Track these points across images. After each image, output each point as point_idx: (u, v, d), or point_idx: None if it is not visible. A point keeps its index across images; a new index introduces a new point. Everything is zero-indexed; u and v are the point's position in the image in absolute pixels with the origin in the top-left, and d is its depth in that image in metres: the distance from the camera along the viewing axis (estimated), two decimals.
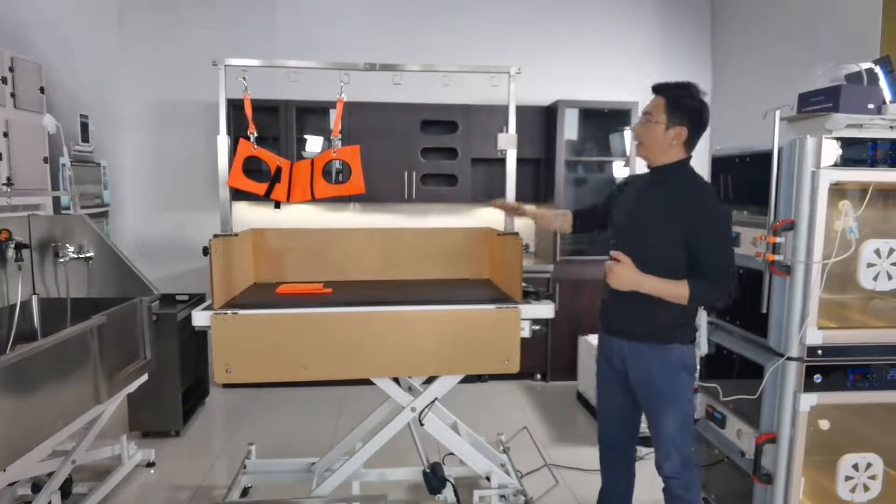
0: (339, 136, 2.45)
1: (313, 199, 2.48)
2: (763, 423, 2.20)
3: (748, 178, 2.36)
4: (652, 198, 2.00)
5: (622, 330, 2.06)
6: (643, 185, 2.08)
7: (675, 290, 1.89)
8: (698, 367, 2.09)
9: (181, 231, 4.65)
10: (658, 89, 1.99)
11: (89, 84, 4.25)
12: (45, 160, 3.66)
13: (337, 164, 2.46)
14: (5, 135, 3.29)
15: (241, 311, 2.12)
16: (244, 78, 2.35)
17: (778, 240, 2.11)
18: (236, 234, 2.40)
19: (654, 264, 1.92)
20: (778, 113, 2.09)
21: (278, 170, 2.44)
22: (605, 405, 2.24)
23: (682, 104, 1.94)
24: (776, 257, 2.11)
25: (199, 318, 2.11)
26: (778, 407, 2.16)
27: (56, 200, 3.76)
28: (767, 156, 2.17)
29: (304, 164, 2.47)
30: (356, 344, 2.16)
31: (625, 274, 1.92)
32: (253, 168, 2.50)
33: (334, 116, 4.12)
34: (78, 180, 3.89)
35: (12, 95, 3.35)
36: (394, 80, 2.42)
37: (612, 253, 1.96)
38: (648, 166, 2.06)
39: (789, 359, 2.12)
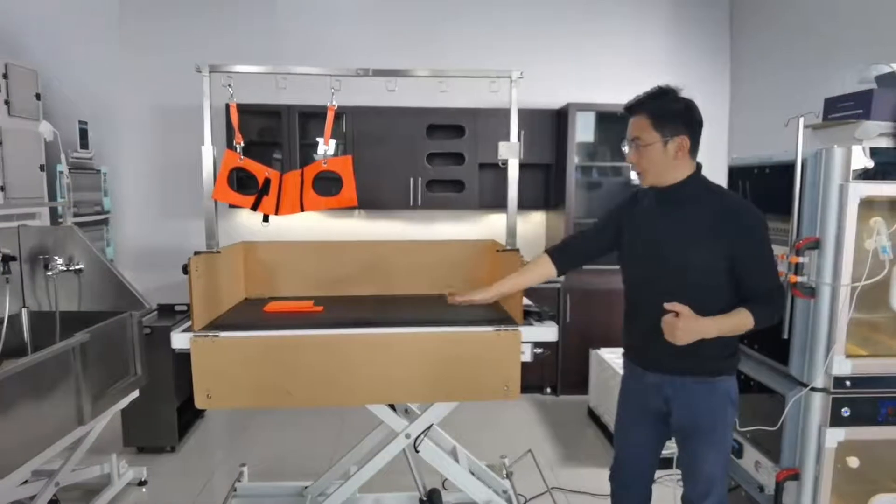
0: (329, 145, 2.32)
1: (303, 212, 2.35)
2: (784, 458, 2.03)
3: (768, 191, 2.18)
4: (677, 221, 1.75)
5: (663, 365, 1.81)
6: (654, 209, 1.83)
7: (740, 325, 1.66)
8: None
9: (185, 238, 4.57)
10: (634, 108, 1.77)
11: (89, 90, 4.19)
12: (42, 168, 3.61)
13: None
14: None
15: (223, 334, 2.00)
16: (230, 85, 2.24)
17: (801, 259, 1.94)
18: (219, 251, 2.28)
19: (701, 297, 1.69)
20: (802, 120, 1.91)
21: (266, 181, 2.31)
22: (626, 444, 1.98)
23: (668, 112, 1.71)
24: (799, 278, 1.94)
25: (178, 340, 1.99)
26: (801, 441, 1.98)
27: (53, 209, 3.70)
28: (790, 167, 2.00)
29: (294, 175, 2.35)
30: (344, 369, 2.02)
31: (691, 327, 1.62)
32: (248, 175, 2.38)
33: (346, 121, 4.12)
34: (77, 187, 3.82)
35: (6, 102, 3.30)
36: (387, 86, 2.28)
37: (669, 305, 1.65)
38: (656, 187, 1.81)
39: (814, 389, 1.95)
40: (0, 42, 3.48)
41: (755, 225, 1.68)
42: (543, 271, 2.06)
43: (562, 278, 4.19)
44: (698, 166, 1.78)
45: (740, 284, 1.70)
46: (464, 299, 2.07)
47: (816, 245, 1.90)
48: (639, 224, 1.87)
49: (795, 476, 1.98)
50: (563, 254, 2.06)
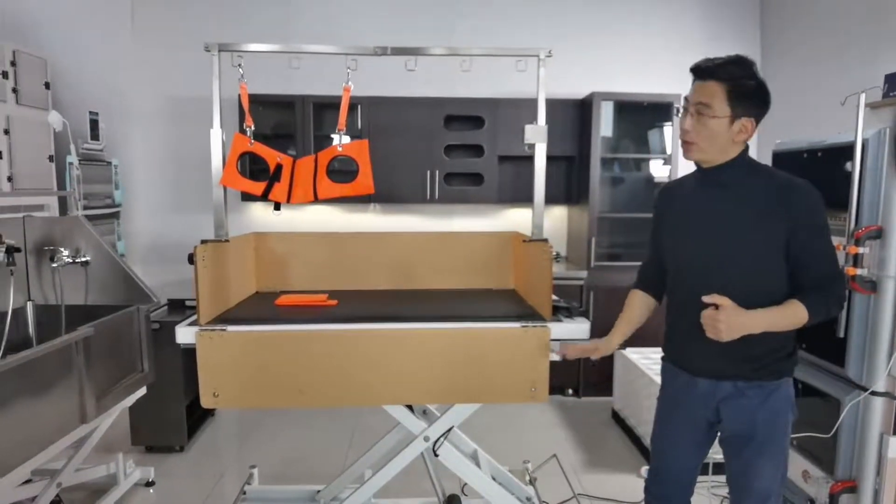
0: (345, 129, 2.19)
1: (316, 200, 2.22)
2: (839, 469, 1.86)
3: (820, 177, 1.98)
4: (726, 203, 1.58)
5: (714, 369, 1.63)
6: (698, 193, 1.65)
7: (793, 318, 1.49)
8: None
9: (198, 232, 4.44)
10: (711, 72, 1.55)
11: (101, 80, 4.10)
12: (51, 159, 3.51)
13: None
14: (6, 132, 3.14)
15: (230, 328, 1.87)
16: (240, 65, 2.11)
17: (861, 250, 1.76)
18: (227, 240, 2.16)
19: (755, 288, 1.53)
20: (863, 97, 1.74)
21: (278, 167, 2.19)
22: (667, 454, 1.80)
23: (746, 87, 1.51)
24: (858, 271, 1.76)
25: (184, 334, 1.87)
26: (859, 450, 1.81)
27: (63, 201, 3.61)
28: (846, 150, 1.83)
29: (307, 161, 2.22)
30: (359, 366, 1.89)
31: (734, 321, 1.46)
32: (262, 169, 2.25)
33: (360, 112, 3.99)
34: (87, 179, 3.73)
35: (14, 91, 3.20)
36: (407, 65, 2.14)
37: (708, 298, 1.49)
38: (702, 167, 1.64)
39: (874, 393, 1.77)
40: (10, 30, 3.39)
41: (813, 202, 1.51)
42: (646, 302, 1.88)
43: (584, 274, 4.03)
44: (745, 146, 1.61)
45: (794, 270, 1.53)
46: (580, 352, 1.88)
47: (879, 234, 1.73)
48: (680, 212, 1.69)
49: (852, 489, 1.81)
50: (648, 282, 1.88)
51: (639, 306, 1.88)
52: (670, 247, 1.73)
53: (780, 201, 1.50)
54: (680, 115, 1.61)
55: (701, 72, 1.57)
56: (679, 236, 1.69)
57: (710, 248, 1.60)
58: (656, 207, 1.82)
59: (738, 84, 1.52)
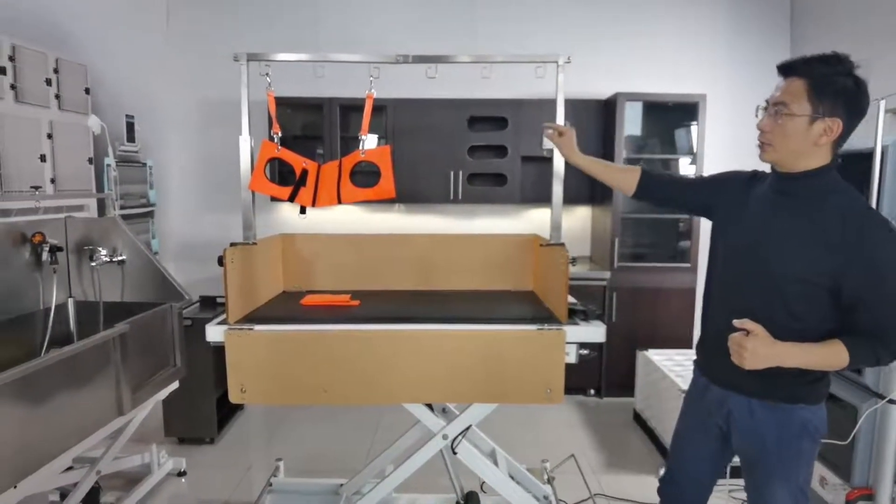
0: (371, 138, 2.25)
1: (340, 204, 2.29)
2: (856, 476, 1.86)
3: None
4: (792, 217, 1.47)
5: (727, 380, 1.59)
6: (769, 196, 1.54)
7: (830, 359, 1.40)
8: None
9: (228, 231, 4.60)
10: (793, 68, 1.44)
11: (136, 84, 4.26)
12: (90, 161, 3.67)
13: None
14: (49, 136, 3.30)
15: (257, 327, 1.96)
16: (267, 74, 2.19)
17: None
18: (255, 243, 2.25)
19: (800, 316, 1.45)
20: (883, 104, 1.73)
21: (304, 172, 2.26)
22: (683, 458, 1.79)
23: (834, 86, 1.38)
24: None
25: (213, 332, 1.96)
26: (876, 458, 1.81)
27: (101, 201, 3.77)
28: (866, 157, 1.81)
29: (332, 166, 2.29)
30: (380, 365, 1.95)
31: (762, 350, 1.38)
32: (290, 171, 2.34)
33: (386, 114, 4.07)
34: (123, 180, 3.89)
35: (57, 97, 3.36)
36: (427, 73, 2.20)
37: (739, 323, 1.41)
38: (777, 170, 1.54)
39: (892, 401, 1.76)
40: (49, 36, 3.55)
41: (880, 239, 1.38)
42: (626, 176, 1.87)
43: (608, 275, 4.03)
44: (835, 159, 1.47)
45: (847, 313, 1.42)
46: (554, 132, 2.03)
47: None
48: (747, 209, 1.58)
49: (869, 496, 1.80)
50: (651, 177, 1.84)
51: (619, 174, 1.92)
52: (722, 242, 1.65)
53: (847, 230, 1.38)
54: (758, 114, 1.52)
55: (784, 68, 1.47)
56: (735, 236, 1.60)
57: (753, 263, 1.52)
58: (737, 177, 1.67)
59: (823, 80, 1.40)
